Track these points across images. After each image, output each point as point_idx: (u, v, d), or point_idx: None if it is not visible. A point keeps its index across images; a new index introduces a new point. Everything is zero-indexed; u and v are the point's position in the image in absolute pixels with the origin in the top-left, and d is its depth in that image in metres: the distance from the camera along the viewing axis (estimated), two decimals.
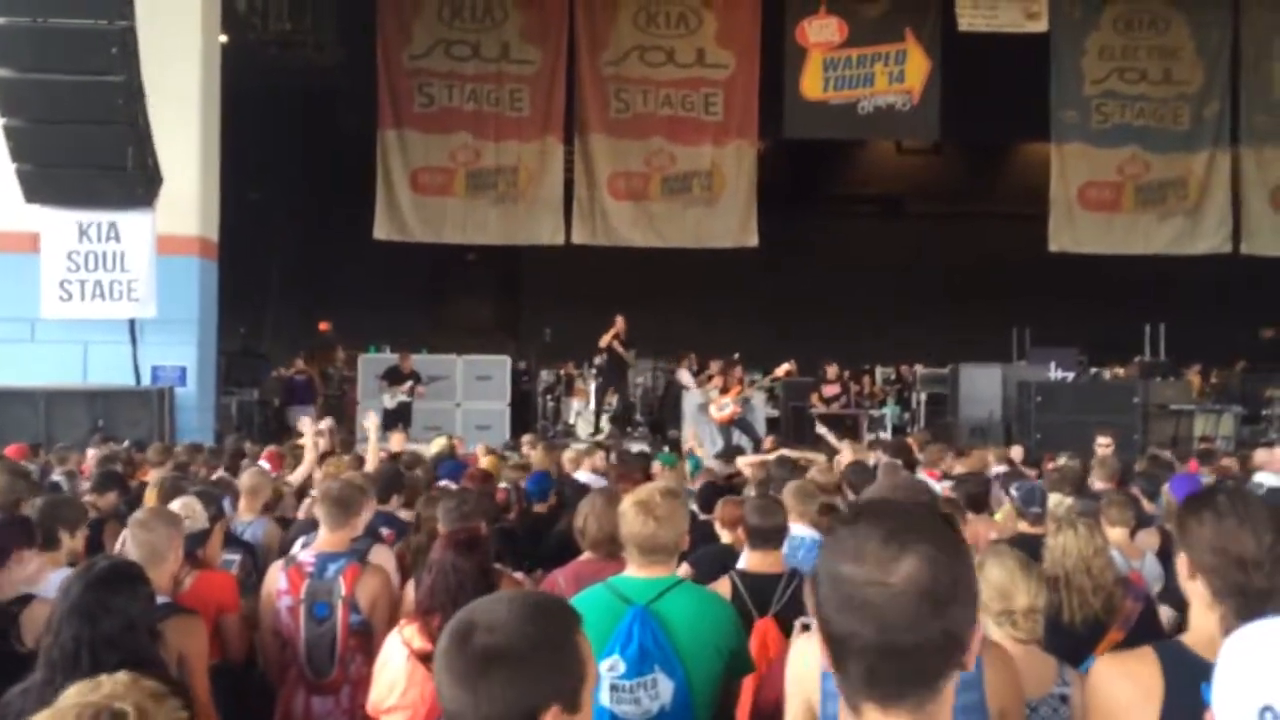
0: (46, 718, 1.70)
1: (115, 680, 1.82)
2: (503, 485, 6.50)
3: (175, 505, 4.13)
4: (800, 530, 4.60)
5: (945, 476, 6.71)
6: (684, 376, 14.33)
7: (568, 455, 8.02)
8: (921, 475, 6.77)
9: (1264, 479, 6.69)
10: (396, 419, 13.66)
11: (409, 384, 14.51)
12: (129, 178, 10.62)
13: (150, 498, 4.99)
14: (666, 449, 13.07)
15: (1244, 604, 1.99)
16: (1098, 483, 6.45)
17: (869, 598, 1.30)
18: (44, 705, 2.08)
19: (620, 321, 14.95)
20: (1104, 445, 9.03)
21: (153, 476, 6.16)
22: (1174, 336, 16.74)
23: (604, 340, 14.92)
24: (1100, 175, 17.45)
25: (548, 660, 1.50)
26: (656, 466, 7.40)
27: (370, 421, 7.39)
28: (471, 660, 1.47)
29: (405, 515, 5.51)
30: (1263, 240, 17.43)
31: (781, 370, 14.54)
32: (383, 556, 4.39)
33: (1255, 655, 1.41)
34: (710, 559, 4.41)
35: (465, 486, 5.76)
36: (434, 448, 8.78)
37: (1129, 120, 17.43)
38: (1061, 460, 8.02)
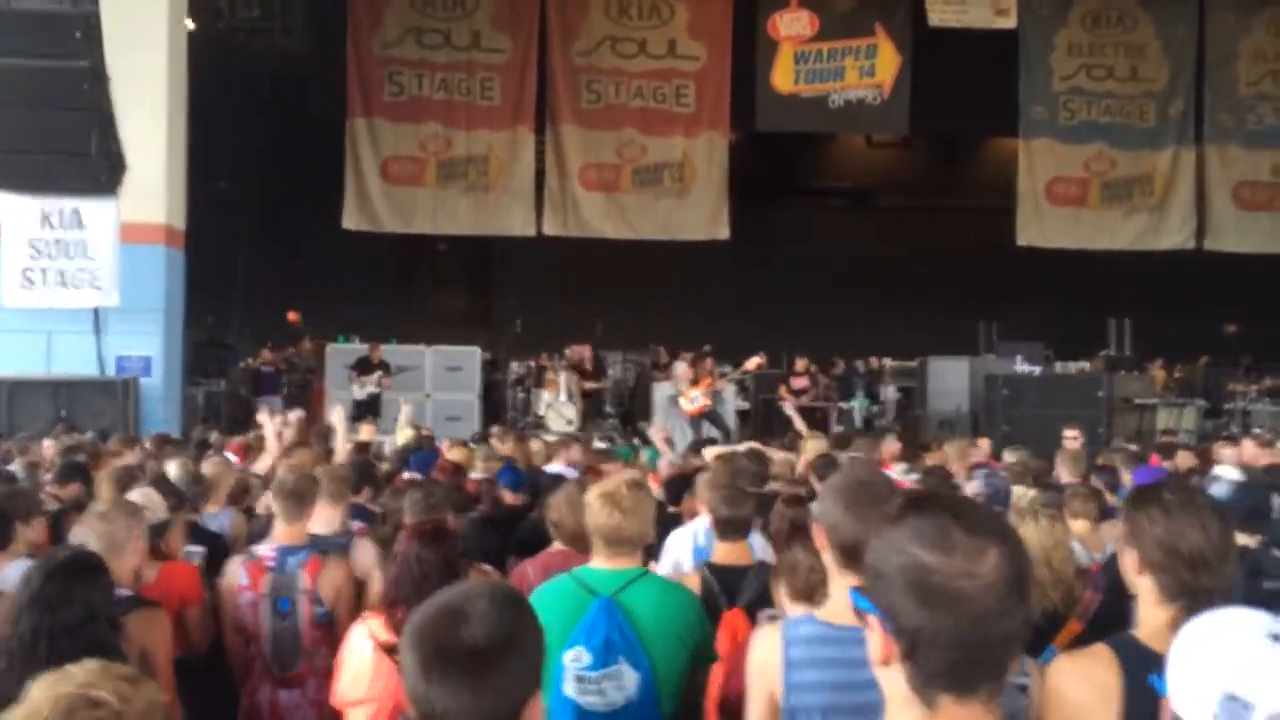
0: (21, 714, 1.67)
1: (85, 669, 1.78)
2: (474, 476, 6.49)
3: (133, 496, 4.08)
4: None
5: (910, 471, 6.74)
6: (680, 370, 14.29)
7: (535, 447, 8.00)
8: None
9: (1224, 472, 6.78)
10: (366, 410, 13.59)
11: (377, 374, 14.44)
12: (93, 164, 10.50)
13: (104, 489, 4.92)
14: (636, 441, 13.11)
15: (1193, 602, 2.01)
16: (1064, 476, 6.50)
17: (961, 589, 1.26)
18: (2, 694, 2.05)
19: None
20: (1071, 438, 9.11)
21: (108, 467, 6.08)
22: (1139, 331, 16.95)
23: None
24: (1067, 171, 17.59)
25: (535, 649, 1.54)
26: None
27: (336, 413, 7.35)
28: (470, 656, 1.46)
29: (374, 508, 5.48)
30: (1226, 237, 17.64)
31: (751, 364, 14.59)
32: (365, 550, 4.36)
33: (1213, 645, 1.43)
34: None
35: (434, 478, 5.75)
36: (401, 439, 8.73)
37: (1096, 117, 17.59)
38: (1011, 456, 8.09)
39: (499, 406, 15.90)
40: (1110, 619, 3.44)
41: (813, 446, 7.69)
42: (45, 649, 2.54)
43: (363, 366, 14.55)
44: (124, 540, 3.42)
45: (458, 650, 1.46)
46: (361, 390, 14.23)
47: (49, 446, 7.73)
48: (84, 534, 3.36)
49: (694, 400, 13.63)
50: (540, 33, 16.84)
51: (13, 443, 7.95)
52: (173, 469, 5.53)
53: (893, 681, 1.33)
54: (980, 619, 1.26)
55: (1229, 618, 1.47)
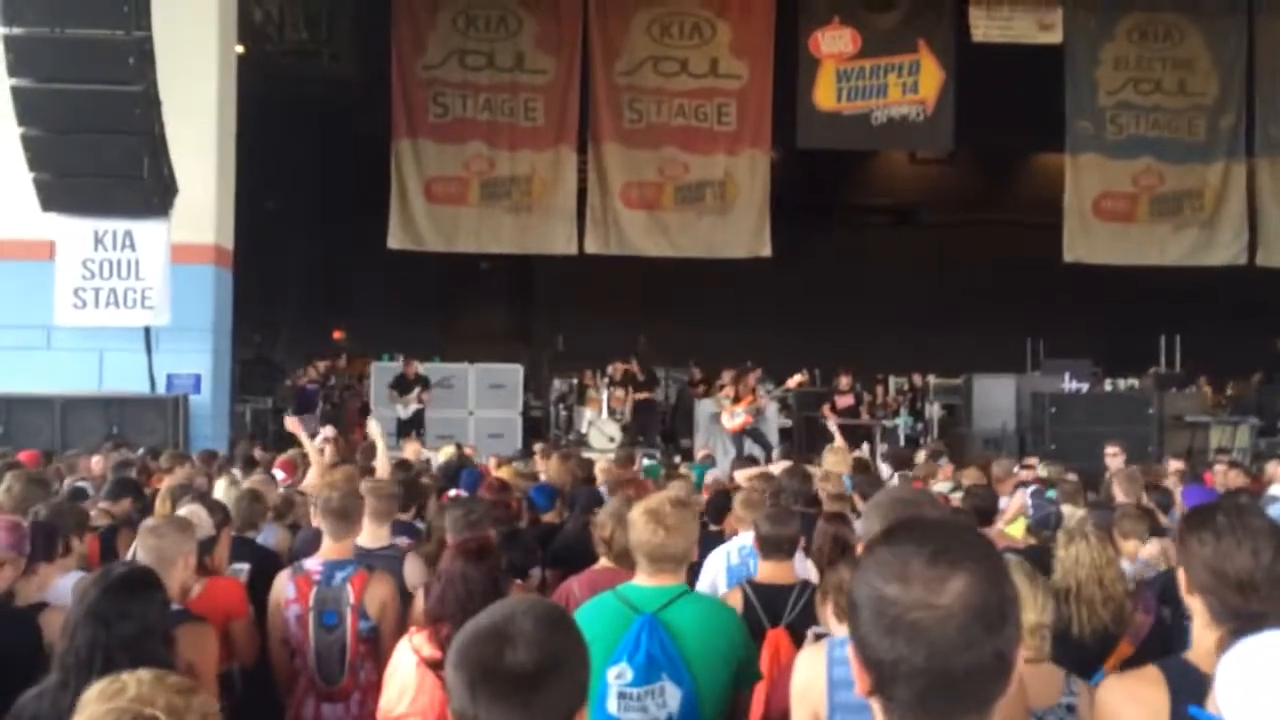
0: None
1: (139, 680, 1.79)
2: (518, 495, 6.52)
3: (180, 512, 4.14)
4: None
5: (956, 488, 6.68)
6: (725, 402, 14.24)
7: (601, 466, 7.96)
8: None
9: (1278, 492, 6.64)
10: (410, 427, 13.69)
11: (416, 391, 14.54)
12: (145, 186, 10.68)
13: (162, 505, 5.01)
14: (679, 459, 13.09)
15: (1241, 627, 1.98)
16: (1120, 496, 6.37)
17: (918, 620, 1.23)
18: (59, 709, 2.07)
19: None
20: (1113, 455, 8.98)
21: (165, 484, 6.18)
22: (1189, 348, 16.67)
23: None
24: (1115, 186, 17.37)
25: (580, 666, 1.55)
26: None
27: (374, 429, 7.42)
28: (517, 679, 1.46)
29: (418, 524, 5.53)
30: (1278, 251, 17.33)
31: (793, 381, 14.53)
32: (415, 566, 4.40)
33: (1261, 670, 1.39)
34: None
35: (481, 496, 5.77)
36: (442, 456, 8.80)
37: (1144, 131, 17.37)
38: (1044, 470, 7.98)
39: (541, 425, 15.96)
40: (1164, 640, 3.39)
41: (832, 460, 7.64)
42: (101, 663, 2.55)
43: (401, 385, 14.66)
44: (174, 555, 3.47)
45: (504, 672, 1.47)
46: (405, 409, 14.35)
47: (97, 462, 7.86)
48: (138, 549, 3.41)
49: (736, 416, 13.60)
50: (583, 53, 16.96)
51: (62, 460, 8.09)
52: (221, 487, 5.61)
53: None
54: (939, 651, 1.22)
55: (1276, 641, 1.43)
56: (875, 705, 1.31)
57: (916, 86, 16.95)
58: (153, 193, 10.79)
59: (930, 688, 1.24)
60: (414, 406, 14.41)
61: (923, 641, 1.23)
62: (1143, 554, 4.85)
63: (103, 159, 10.50)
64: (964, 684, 1.24)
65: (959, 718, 1.26)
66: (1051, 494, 6.61)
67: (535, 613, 1.56)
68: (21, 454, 7.50)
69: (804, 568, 4.35)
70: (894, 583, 1.26)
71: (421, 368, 15.13)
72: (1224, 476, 8.15)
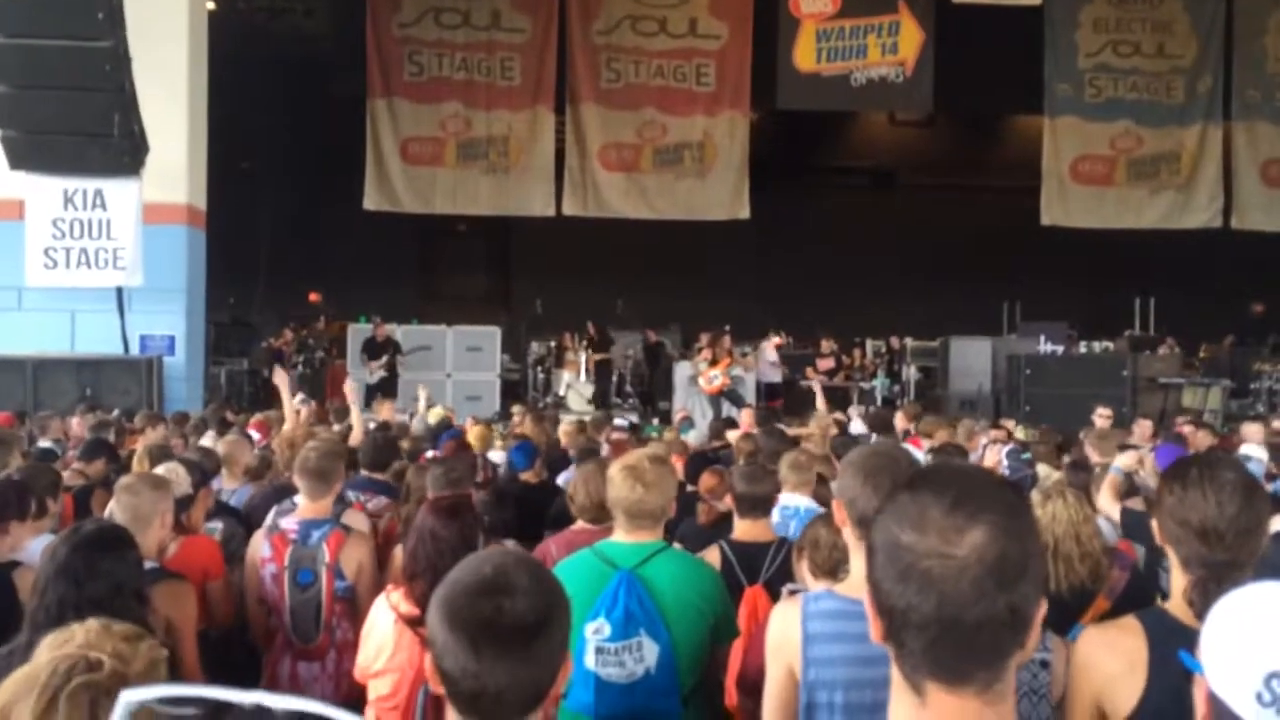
0: (22, 674, 1.69)
1: (87, 629, 1.80)
2: (493, 456, 6.52)
3: (159, 470, 4.11)
4: (796, 500, 4.61)
5: (930, 450, 6.72)
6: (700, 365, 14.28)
7: (564, 429, 7.98)
8: (906, 445, 6.78)
9: (1249, 451, 6.71)
10: (378, 391, 13.57)
11: (384, 359, 14.42)
12: (115, 145, 10.53)
13: (138, 464, 4.97)
14: (655, 421, 13.11)
15: (1208, 575, 2.01)
16: (1094, 456, 6.43)
17: (930, 569, 1.21)
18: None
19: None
20: (1104, 417, 9.11)
21: (141, 444, 6.13)
22: (1163, 311, 16.80)
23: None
24: (1093, 149, 17.42)
25: (568, 614, 1.56)
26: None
27: (350, 390, 7.40)
28: (522, 627, 1.46)
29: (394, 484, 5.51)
30: (1253, 215, 17.45)
31: (769, 345, 14.58)
32: (356, 520, 4.40)
33: (1257, 621, 1.39)
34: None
35: (453, 455, 5.76)
36: (432, 419, 8.81)
37: (1122, 94, 17.39)
38: (1022, 434, 8.06)
39: (519, 387, 15.96)
40: (1140, 595, 3.43)
41: (815, 422, 7.66)
42: (72, 621, 2.54)
43: (372, 350, 14.53)
44: (150, 514, 3.44)
45: (506, 625, 1.46)
46: (372, 375, 14.21)
47: (77, 423, 7.80)
48: (112, 508, 3.39)
49: (713, 379, 13.62)
50: (560, 12, 16.77)
51: (34, 420, 8.02)
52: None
53: (893, 668, 1.31)
54: (950, 600, 1.20)
55: (1268, 592, 1.44)
56: (889, 652, 1.30)
57: (896, 47, 16.88)
58: (123, 151, 10.63)
59: (940, 638, 1.22)
60: (380, 373, 14.26)
61: (933, 591, 1.21)
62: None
63: (72, 116, 10.33)
64: (975, 637, 1.22)
65: (970, 670, 1.23)
66: (1027, 455, 6.67)
67: (524, 564, 1.56)
68: None
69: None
70: (910, 530, 1.24)
71: (397, 331, 15.03)
72: (1192, 437, 8.25)
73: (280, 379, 7.26)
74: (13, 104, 10.27)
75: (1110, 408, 9.56)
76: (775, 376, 15.17)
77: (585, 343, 16.03)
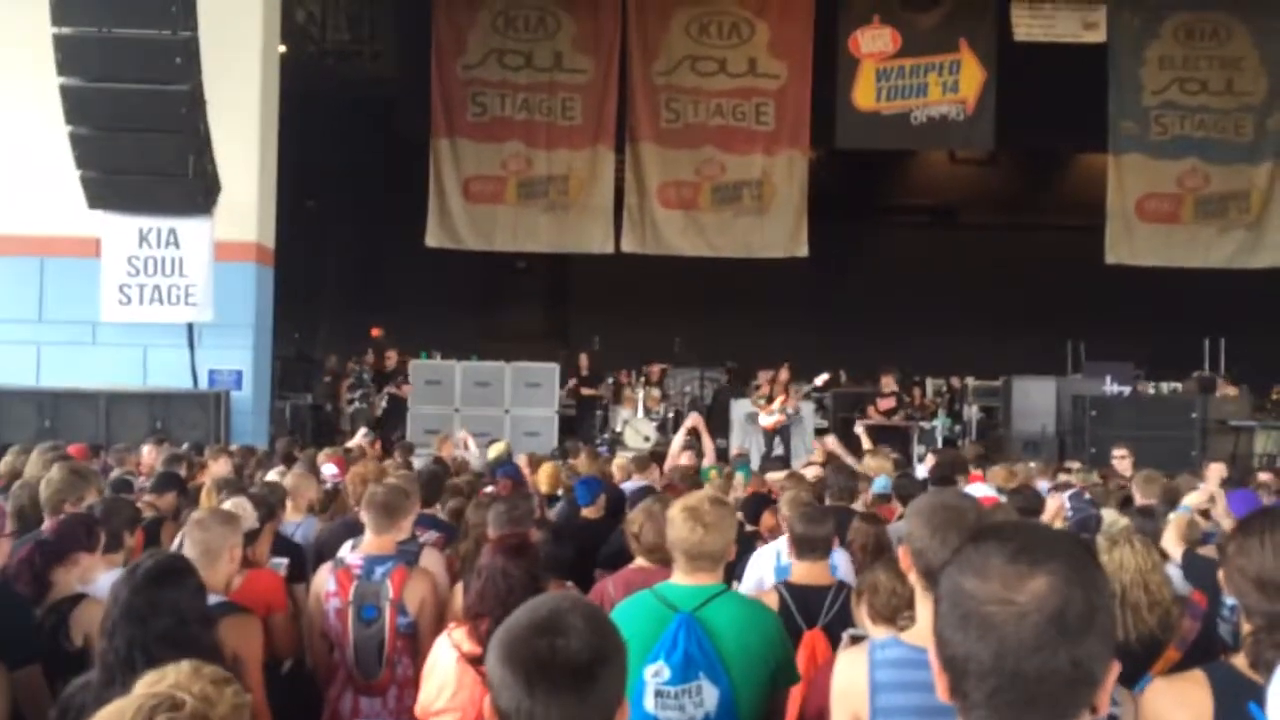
0: (115, 709, 1.75)
1: (179, 669, 1.88)
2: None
3: (227, 505, 4.20)
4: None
5: (999, 490, 6.62)
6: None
7: (618, 464, 8.02)
8: (969, 487, 6.69)
9: None
10: (383, 424, 13.44)
11: (390, 383, 14.27)
12: (189, 185, 10.83)
13: (207, 498, 5.07)
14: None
15: (1263, 625, 1.99)
16: (1139, 498, 6.29)
17: (990, 615, 1.20)
18: (102, 704, 2.12)
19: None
20: (1121, 458, 8.91)
21: (209, 477, 6.26)
22: (1234, 351, 16.39)
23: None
24: (1159, 187, 17.14)
25: (624, 659, 1.59)
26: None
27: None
28: (577, 666, 1.50)
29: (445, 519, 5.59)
30: None
31: (820, 380, 14.50)
32: (431, 560, 4.43)
33: None
34: None
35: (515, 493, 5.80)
36: (493, 452, 8.88)
37: (1189, 132, 17.11)
38: (1075, 477, 7.90)
39: (579, 424, 15.99)
40: (1210, 646, 3.35)
41: (874, 464, 7.59)
42: (142, 660, 2.57)
43: (377, 377, 14.42)
44: (219, 548, 3.51)
45: (561, 664, 1.49)
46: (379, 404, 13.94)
47: (149, 453, 7.98)
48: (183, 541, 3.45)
49: (772, 414, 13.59)
50: (621, 53, 16.97)
51: (111, 453, 8.22)
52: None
53: None
54: (1009, 647, 1.19)
55: None
56: (955, 706, 1.28)
57: (957, 86, 16.81)
58: (197, 191, 10.94)
59: (1000, 689, 1.20)
60: (382, 406, 14.00)
61: (993, 637, 1.20)
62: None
63: (148, 157, 10.66)
64: (1036, 689, 1.19)
65: None
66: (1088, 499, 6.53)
67: (580, 607, 1.60)
68: (70, 447, 7.62)
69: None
70: (973, 577, 1.24)
71: (411, 363, 15.02)
72: (1271, 484, 8.04)
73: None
74: (92, 145, 10.62)
75: (1130, 448, 9.32)
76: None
77: (643, 380, 16.05)
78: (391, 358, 14.65)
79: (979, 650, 1.21)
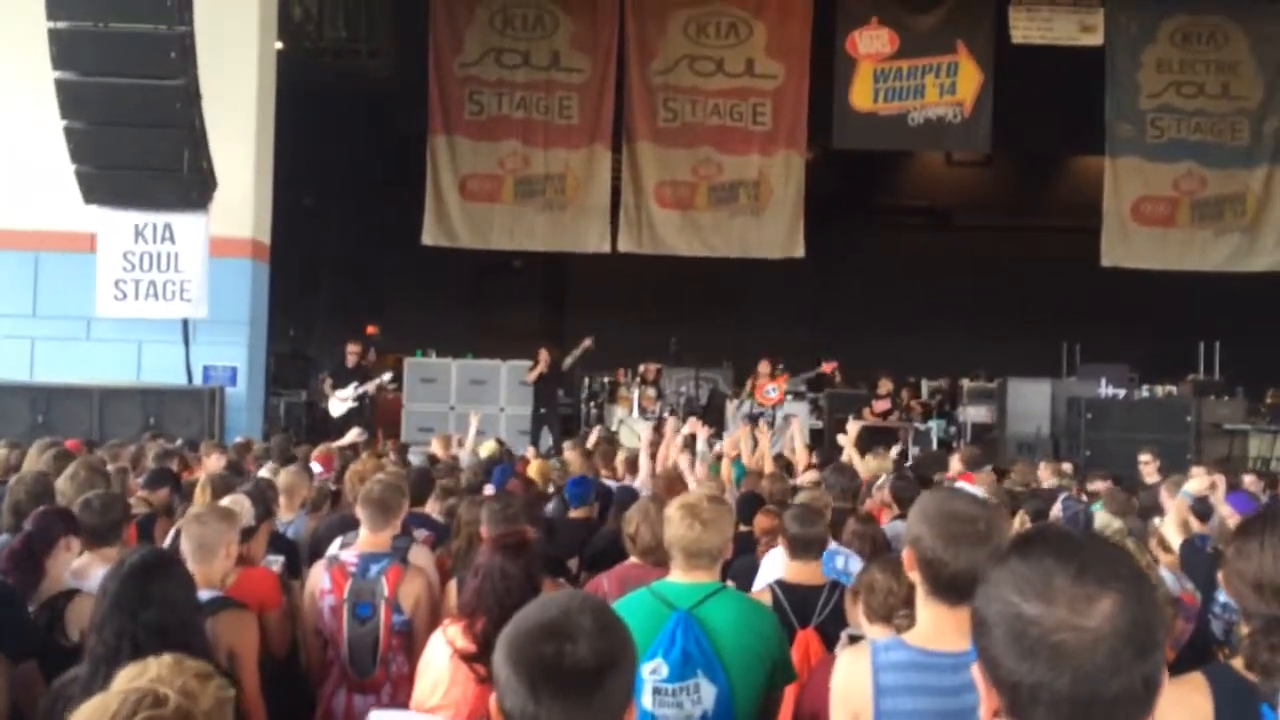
0: (94, 705, 1.73)
1: (160, 663, 1.83)
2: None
3: (225, 501, 4.18)
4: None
5: (1009, 491, 6.62)
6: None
7: (621, 457, 8.00)
8: (960, 483, 6.71)
9: None
10: (345, 425, 12.83)
11: (354, 383, 13.27)
12: (185, 180, 10.81)
13: (201, 493, 5.06)
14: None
15: (1260, 628, 1.99)
16: (1168, 501, 6.24)
17: (1063, 643, 1.15)
18: (89, 695, 2.11)
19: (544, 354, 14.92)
20: (1146, 463, 8.77)
21: (203, 473, 6.24)
22: (1229, 355, 16.43)
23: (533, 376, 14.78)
24: (1155, 190, 17.16)
25: (633, 661, 1.56)
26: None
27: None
28: (584, 672, 1.46)
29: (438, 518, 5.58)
30: None
31: (827, 367, 14.51)
32: (421, 557, 4.42)
33: None
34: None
35: (508, 491, 5.78)
36: (484, 451, 8.87)
37: (1185, 135, 17.14)
38: (1099, 483, 7.88)
39: (573, 422, 15.99)
40: (1204, 648, 3.35)
41: (875, 464, 7.59)
42: (129, 650, 2.56)
43: (339, 375, 13.48)
44: (215, 544, 3.50)
45: (568, 670, 1.46)
46: (340, 405, 13.18)
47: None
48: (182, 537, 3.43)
49: (769, 393, 13.63)
50: (619, 52, 16.96)
51: (105, 449, 8.19)
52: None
53: None
54: (1086, 676, 1.14)
55: None
56: None
57: (954, 88, 16.83)
58: (192, 186, 10.91)
59: (1074, 716, 1.17)
60: (350, 404, 13.12)
61: (1068, 666, 1.15)
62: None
63: (144, 152, 10.63)
64: (1111, 712, 1.17)
65: None
66: (1098, 506, 6.45)
67: (590, 609, 1.56)
68: (68, 442, 7.60)
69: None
70: (1035, 600, 1.18)
71: (407, 361, 14.88)
72: (1253, 487, 8.02)
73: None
74: (87, 140, 10.58)
75: (1154, 452, 8.97)
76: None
77: (639, 380, 16.03)
78: (355, 352, 13.71)
79: (1051, 679, 1.16)
